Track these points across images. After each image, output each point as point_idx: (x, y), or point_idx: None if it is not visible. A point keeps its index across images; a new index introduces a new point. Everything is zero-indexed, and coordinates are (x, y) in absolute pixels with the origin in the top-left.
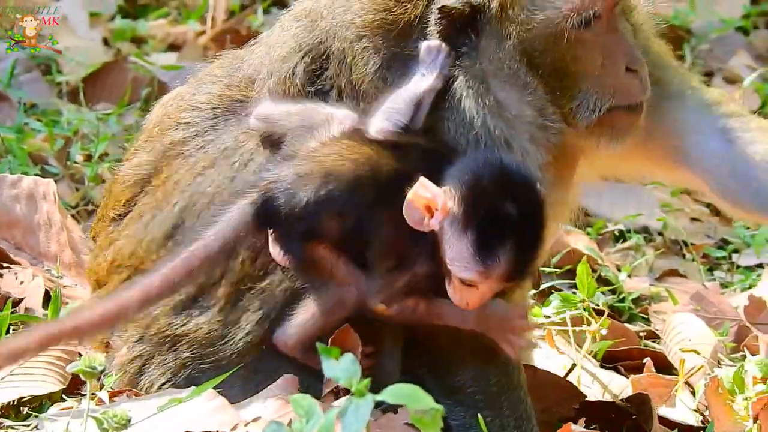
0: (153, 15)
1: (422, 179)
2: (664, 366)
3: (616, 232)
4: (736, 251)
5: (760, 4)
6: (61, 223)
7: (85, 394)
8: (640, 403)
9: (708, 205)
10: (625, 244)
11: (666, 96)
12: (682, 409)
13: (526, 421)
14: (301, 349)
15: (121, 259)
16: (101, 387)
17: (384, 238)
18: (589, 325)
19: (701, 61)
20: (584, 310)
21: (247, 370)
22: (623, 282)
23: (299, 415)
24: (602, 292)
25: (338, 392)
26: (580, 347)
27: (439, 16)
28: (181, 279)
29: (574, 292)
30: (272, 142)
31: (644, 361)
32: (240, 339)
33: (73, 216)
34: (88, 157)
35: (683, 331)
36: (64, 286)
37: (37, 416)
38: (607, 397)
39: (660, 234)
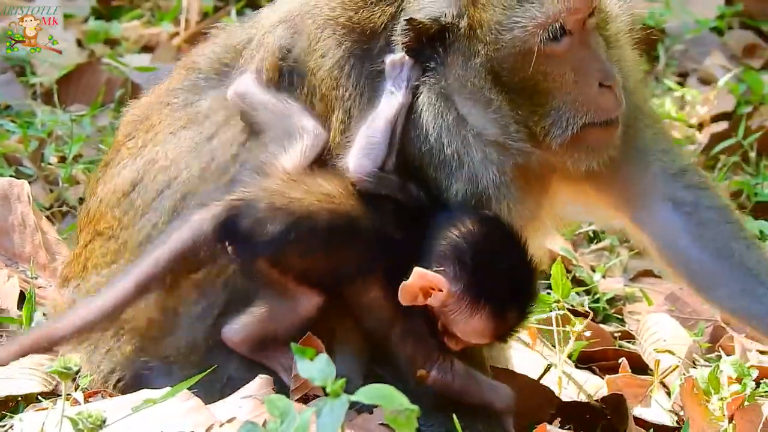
0: (127, 16)
1: (417, 269)
2: (639, 366)
3: (591, 233)
4: None
5: (734, 4)
6: (35, 224)
7: (60, 395)
8: (615, 403)
9: None
10: (600, 245)
11: (633, 149)
12: (657, 409)
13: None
14: (249, 347)
15: (93, 210)
16: (76, 388)
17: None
18: (567, 325)
19: (676, 61)
20: (560, 310)
21: (199, 368)
22: (598, 282)
23: (274, 416)
24: (577, 293)
25: (308, 398)
26: (554, 347)
27: (407, 27)
28: (133, 297)
29: (548, 293)
30: (246, 121)
31: (619, 361)
32: (183, 331)
33: (47, 217)
34: (62, 159)
35: (658, 332)
36: (39, 287)
37: (11, 417)
38: (582, 398)
39: None
